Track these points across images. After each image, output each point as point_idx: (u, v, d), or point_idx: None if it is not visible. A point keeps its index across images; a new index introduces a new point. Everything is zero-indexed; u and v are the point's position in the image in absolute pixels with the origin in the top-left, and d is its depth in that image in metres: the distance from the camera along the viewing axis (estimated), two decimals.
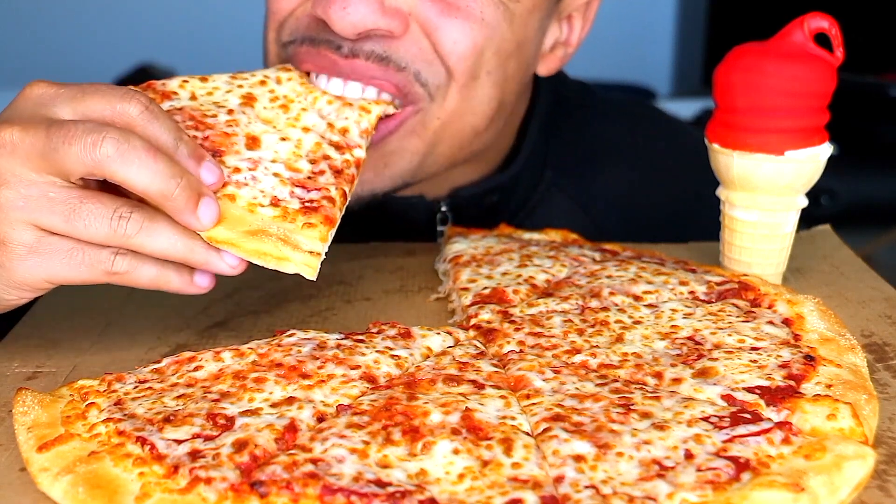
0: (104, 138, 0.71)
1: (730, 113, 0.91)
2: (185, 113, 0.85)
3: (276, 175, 0.82)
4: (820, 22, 0.89)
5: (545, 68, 1.11)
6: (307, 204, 0.81)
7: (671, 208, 1.26)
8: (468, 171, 1.16)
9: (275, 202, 0.80)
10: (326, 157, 0.86)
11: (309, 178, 0.83)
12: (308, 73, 0.97)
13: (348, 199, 0.84)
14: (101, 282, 0.76)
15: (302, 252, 0.77)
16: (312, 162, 0.85)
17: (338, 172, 0.85)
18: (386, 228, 1.15)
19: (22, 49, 3.59)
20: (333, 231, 0.80)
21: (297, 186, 0.82)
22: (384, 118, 0.97)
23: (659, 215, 1.26)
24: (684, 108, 2.77)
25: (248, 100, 0.89)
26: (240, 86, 0.91)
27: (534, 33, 1.05)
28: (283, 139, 0.86)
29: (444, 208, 1.16)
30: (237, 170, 0.81)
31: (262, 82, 0.92)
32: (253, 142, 0.85)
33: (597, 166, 1.26)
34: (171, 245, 0.75)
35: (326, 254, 0.79)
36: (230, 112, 0.87)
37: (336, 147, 0.88)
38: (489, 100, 1.02)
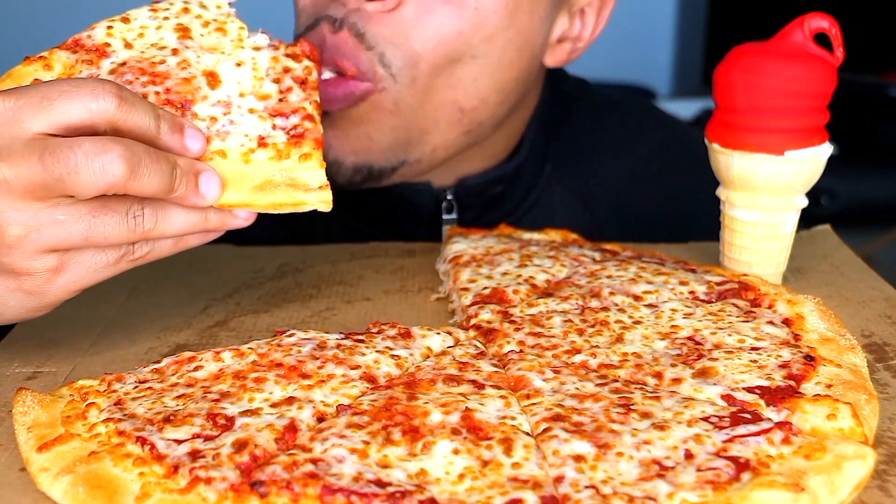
0: (112, 159, 0.69)
1: (730, 113, 0.91)
2: (132, 69, 0.81)
3: (251, 111, 0.80)
4: (820, 22, 0.89)
5: (552, 59, 1.12)
6: (292, 132, 0.80)
7: (670, 206, 1.26)
8: (476, 162, 1.17)
9: (262, 142, 0.79)
10: (287, 70, 0.84)
11: (280, 100, 0.82)
12: None
13: (321, 108, 0.84)
14: (126, 269, 0.77)
15: (313, 191, 0.78)
16: (276, 81, 0.83)
17: (303, 83, 0.84)
18: (392, 214, 1.17)
19: (22, 49, 3.59)
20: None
21: (275, 116, 0.81)
22: (331, 84, 0.99)
23: (658, 213, 1.26)
24: (684, 108, 2.77)
25: (184, 32, 0.85)
26: (165, 18, 0.85)
27: (540, 22, 1.05)
28: (239, 64, 0.83)
29: (449, 196, 1.16)
30: (213, 119, 0.79)
31: (186, 10, 0.87)
32: (213, 78, 0.81)
33: (595, 162, 1.27)
34: (186, 223, 0.76)
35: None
36: (175, 52, 0.82)
37: (292, 57, 0.85)
38: (474, 80, 1.03)
